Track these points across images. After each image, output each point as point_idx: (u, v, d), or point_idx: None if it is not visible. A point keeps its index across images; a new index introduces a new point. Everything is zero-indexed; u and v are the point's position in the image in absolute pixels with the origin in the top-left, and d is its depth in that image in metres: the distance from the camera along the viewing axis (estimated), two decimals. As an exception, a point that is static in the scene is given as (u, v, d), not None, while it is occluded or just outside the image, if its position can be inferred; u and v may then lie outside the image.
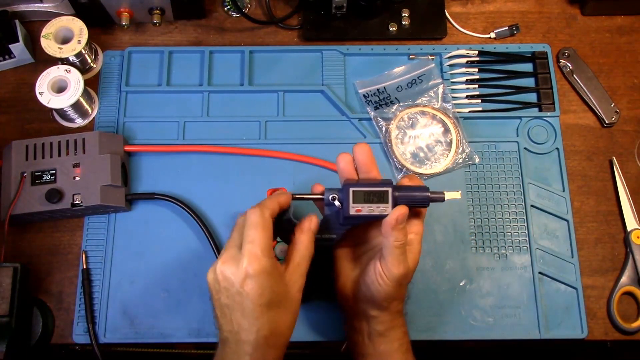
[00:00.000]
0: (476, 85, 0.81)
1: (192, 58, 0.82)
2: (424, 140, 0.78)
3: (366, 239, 0.63)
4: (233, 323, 0.54)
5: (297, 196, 0.61)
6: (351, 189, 0.58)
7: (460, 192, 0.60)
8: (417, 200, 0.59)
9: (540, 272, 0.73)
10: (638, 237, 0.74)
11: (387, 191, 0.58)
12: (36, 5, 0.81)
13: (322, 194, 0.60)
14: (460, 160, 0.77)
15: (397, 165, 0.76)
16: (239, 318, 0.54)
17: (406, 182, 0.60)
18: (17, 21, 0.79)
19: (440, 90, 0.79)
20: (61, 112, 0.77)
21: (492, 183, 0.77)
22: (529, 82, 0.82)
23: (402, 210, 0.57)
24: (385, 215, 0.57)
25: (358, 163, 0.62)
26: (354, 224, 0.61)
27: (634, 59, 0.84)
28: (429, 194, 0.59)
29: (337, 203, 0.59)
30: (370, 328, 0.61)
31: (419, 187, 0.60)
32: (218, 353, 0.56)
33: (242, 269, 0.53)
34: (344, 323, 0.65)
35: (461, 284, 0.72)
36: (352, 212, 0.58)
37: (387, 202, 0.58)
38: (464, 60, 0.82)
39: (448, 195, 0.59)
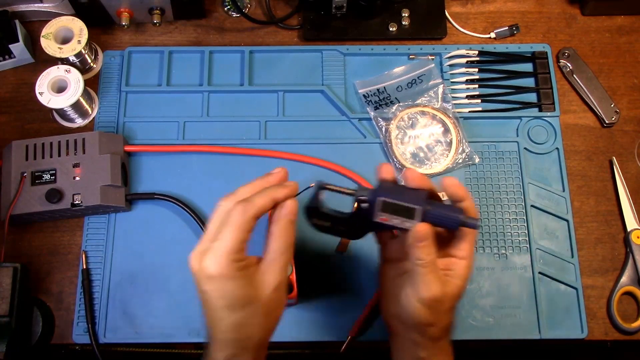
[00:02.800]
0: (476, 85, 0.81)
1: (192, 58, 0.82)
2: (424, 140, 0.78)
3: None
4: (205, 316, 0.53)
5: (327, 187, 0.58)
6: (381, 198, 0.55)
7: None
8: (446, 221, 0.55)
9: (540, 272, 0.73)
10: (638, 237, 0.74)
11: (416, 209, 0.54)
12: (36, 5, 0.81)
13: (355, 191, 0.57)
14: (460, 160, 0.77)
15: (397, 165, 0.76)
16: (206, 313, 0.52)
17: (446, 186, 0.57)
18: (17, 21, 0.79)
19: (440, 90, 0.79)
20: (61, 112, 0.77)
21: (492, 183, 0.77)
22: (529, 82, 0.82)
23: (422, 228, 0.53)
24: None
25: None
26: (380, 229, 0.60)
27: (634, 59, 0.84)
28: (461, 217, 0.54)
29: (364, 205, 0.57)
30: (412, 352, 0.57)
31: (453, 208, 0.55)
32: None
33: (204, 268, 0.51)
34: (390, 339, 0.61)
35: (461, 284, 0.72)
36: (377, 219, 0.56)
37: (414, 219, 0.55)
38: (464, 60, 0.82)
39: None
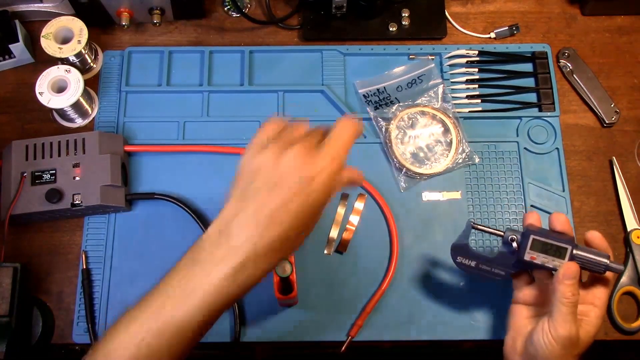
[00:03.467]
0: (476, 85, 0.81)
1: (192, 58, 0.82)
2: (424, 140, 0.78)
3: (548, 301, 0.60)
4: (250, 215, 0.48)
5: (478, 226, 0.63)
6: (532, 236, 0.60)
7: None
8: (593, 263, 0.59)
9: (540, 272, 0.73)
10: (638, 237, 0.74)
11: (567, 248, 0.59)
12: (36, 5, 0.81)
13: (503, 232, 0.62)
14: (460, 160, 0.77)
15: (397, 165, 0.76)
16: (265, 210, 0.48)
17: (590, 239, 0.61)
18: (17, 21, 0.79)
19: (440, 90, 0.79)
20: (61, 112, 0.77)
21: (492, 183, 0.77)
22: (529, 82, 0.82)
23: (572, 266, 0.57)
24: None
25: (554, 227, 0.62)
26: (525, 269, 0.63)
27: (634, 59, 0.84)
28: (607, 261, 0.58)
29: (514, 245, 0.61)
30: None
31: (599, 252, 0.59)
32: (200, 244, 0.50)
33: (319, 166, 0.48)
34: None
35: (461, 284, 0.72)
36: (526, 257, 0.60)
37: (563, 258, 0.59)
38: (464, 60, 0.82)
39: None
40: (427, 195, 0.75)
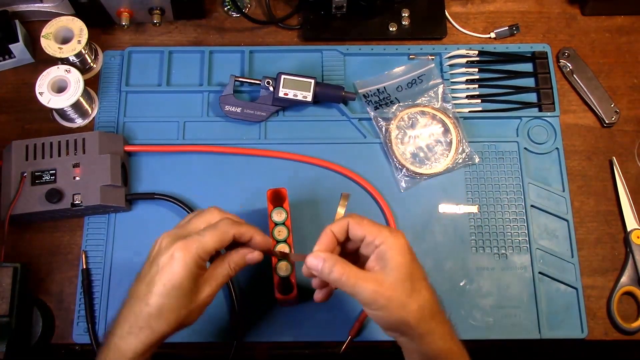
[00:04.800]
0: (476, 85, 0.81)
1: (192, 58, 0.82)
2: (424, 140, 0.78)
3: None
4: (141, 286, 0.55)
5: (239, 78, 0.78)
6: (283, 76, 0.76)
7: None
8: None
9: (540, 272, 0.73)
10: (638, 237, 0.74)
11: (310, 82, 0.76)
12: (36, 5, 0.81)
13: (260, 79, 0.77)
14: (460, 160, 0.77)
15: (397, 165, 0.76)
16: (144, 283, 0.55)
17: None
18: (17, 21, 0.79)
19: (440, 90, 0.79)
20: (61, 112, 0.77)
21: (492, 183, 0.77)
22: (529, 82, 0.82)
23: (310, 262, 0.56)
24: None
25: None
26: (280, 105, 0.77)
27: (634, 59, 0.84)
28: None
29: (270, 88, 0.76)
30: (412, 349, 0.57)
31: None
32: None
33: (175, 248, 0.54)
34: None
35: (461, 284, 0.72)
36: (280, 93, 0.76)
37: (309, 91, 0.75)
38: (464, 60, 0.82)
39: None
40: (444, 208, 0.76)
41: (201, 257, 0.55)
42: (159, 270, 0.54)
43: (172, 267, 0.54)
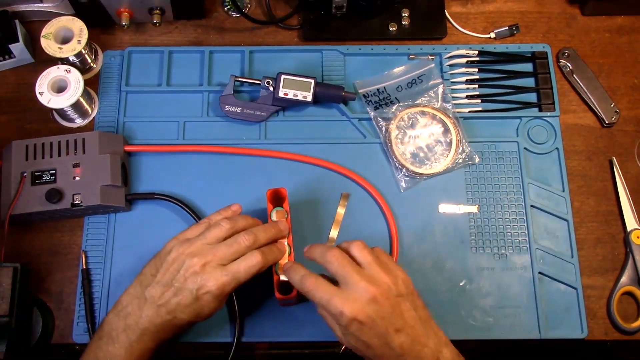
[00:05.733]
0: (476, 85, 0.81)
1: (192, 58, 0.82)
2: (424, 140, 0.78)
3: None
4: (158, 297, 0.59)
5: (239, 78, 0.78)
6: (283, 76, 0.77)
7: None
8: None
9: (540, 272, 0.73)
10: (638, 237, 0.74)
11: (310, 82, 0.76)
12: (36, 5, 0.81)
13: (260, 79, 0.78)
14: (460, 160, 0.77)
15: (397, 165, 0.76)
16: (169, 297, 0.59)
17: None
18: (17, 21, 0.79)
19: (440, 90, 0.79)
20: (61, 112, 0.77)
21: (492, 183, 0.77)
22: (529, 82, 0.82)
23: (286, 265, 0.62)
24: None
25: None
26: (280, 105, 0.78)
27: (634, 59, 0.84)
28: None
29: (270, 88, 0.77)
30: None
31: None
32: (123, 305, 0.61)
33: (207, 276, 0.59)
34: None
35: (461, 284, 0.72)
36: (280, 93, 0.76)
37: (308, 91, 0.76)
38: (464, 60, 0.82)
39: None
40: (444, 208, 0.76)
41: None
42: (195, 295, 0.59)
43: (208, 301, 0.59)
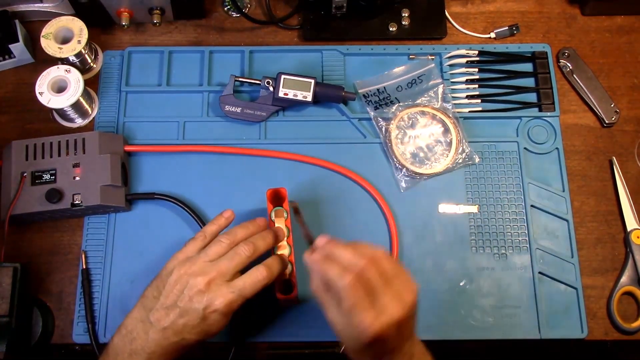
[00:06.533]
0: (476, 85, 0.81)
1: (192, 58, 0.82)
2: (424, 140, 0.78)
3: None
4: (163, 319, 0.58)
5: (239, 78, 0.78)
6: (283, 76, 0.77)
7: None
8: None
9: (540, 272, 0.73)
10: (638, 237, 0.74)
11: (310, 82, 0.76)
12: (36, 5, 0.81)
13: (260, 79, 0.77)
14: (460, 160, 0.77)
15: (397, 165, 0.76)
16: (175, 319, 0.58)
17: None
18: (17, 21, 0.79)
19: (440, 90, 0.79)
20: (61, 112, 0.77)
21: (492, 183, 0.77)
22: (529, 82, 0.82)
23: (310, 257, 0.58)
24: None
25: None
26: (280, 105, 0.78)
27: (634, 59, 0.84)
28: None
29: (270, 88, 0.77)
30: None
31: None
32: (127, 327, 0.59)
33: (212, 295, 0.58)
34: None
35: (461, 284, 0.72)
36: (280, 93, 0.76)
37: (308, 91, 0.76)
38: (464, 60, 0.82)
39: None
40: (444, 208, 0.76)
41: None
42: (202, 315, 0.58)
43: (215, 320, 0.59)
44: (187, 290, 0.58)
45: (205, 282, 0.58)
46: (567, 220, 0.75)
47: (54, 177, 0.70)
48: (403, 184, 0.76)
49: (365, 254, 0.53)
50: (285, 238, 0.67)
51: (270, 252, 0.65)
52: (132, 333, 0.58)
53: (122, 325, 0.60)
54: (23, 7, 0.81)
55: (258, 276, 0.60)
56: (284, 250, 0.66)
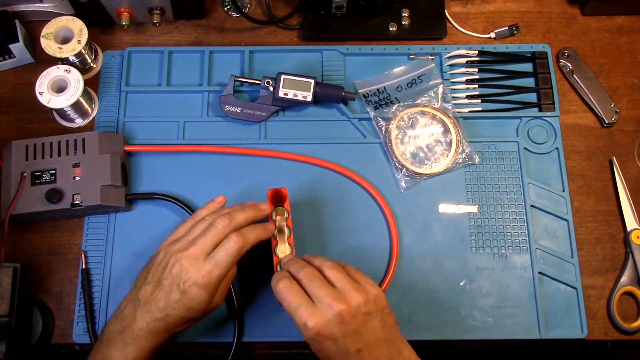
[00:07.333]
0: (476, 85, 0.81)
1: (192, 58, 0.82)
2: (424, 140, 0.78)
3: None
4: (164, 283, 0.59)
5: (239, 78, 0.78)
6: (283, 76, 0.77)
7: None
8: None
9: (540, 272, 0.73)
10: (638, 237, 0.74)
11: (310, 82, 0.76)
12: (36, 5, 0.81)
13: (260, 79, 0.77)
14: (460, 160, 0.77)
15: (397, 165, 0.76)
16: (158, 294, 0.59)
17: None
18: (17, 21, 0.79)
19: (440, 90, 0.79)
20: (61, 112, 0.77)
21: (492, 183, 0.77)
22: (529, 82, 0.82)
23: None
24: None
25: None
26: (280, 105, 0.78)
27: (634, 59, 0.84)
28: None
29: (270, 88, 0.77)
30: None
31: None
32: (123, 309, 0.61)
33: (198, 271, 0.59)
34: None
35: (461, 284, 0.72)
36: (280, 93, 0.76)
37: (308, 91, 0.76)
38: (464, 60, 0.82)
39: None
40: (444, 208, 0.76)
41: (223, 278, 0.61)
42: (182, 289, 0.59)
43: (196, 293, 0.59)
44: (169, 266, 0.60)
45: (184, 256, 0.59)
46: (567, 220, 0.75)
47: (54, 177, 0.70)
48: (403, 184, 0.76)
49: (316, 262, 0.61)
50: (287, 238, 0.67)
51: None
52: (124, 312, 0.60)
53: (117, 307, 0.62)
54: (23, 7, 0.81)
55: (230, 243, 0.60)
56: (285, 250, 0.66)
